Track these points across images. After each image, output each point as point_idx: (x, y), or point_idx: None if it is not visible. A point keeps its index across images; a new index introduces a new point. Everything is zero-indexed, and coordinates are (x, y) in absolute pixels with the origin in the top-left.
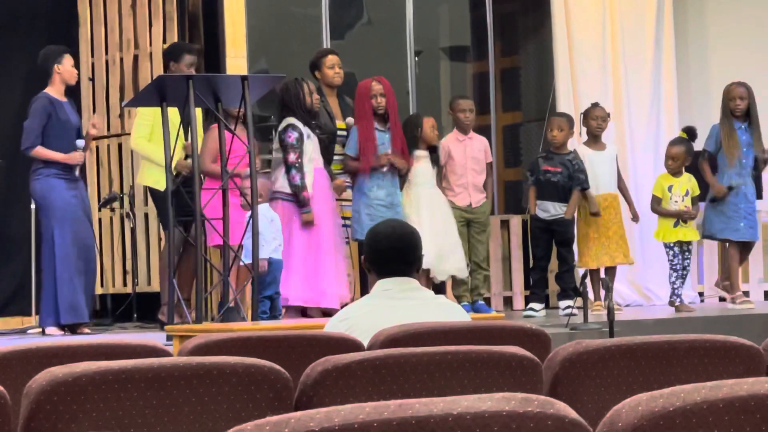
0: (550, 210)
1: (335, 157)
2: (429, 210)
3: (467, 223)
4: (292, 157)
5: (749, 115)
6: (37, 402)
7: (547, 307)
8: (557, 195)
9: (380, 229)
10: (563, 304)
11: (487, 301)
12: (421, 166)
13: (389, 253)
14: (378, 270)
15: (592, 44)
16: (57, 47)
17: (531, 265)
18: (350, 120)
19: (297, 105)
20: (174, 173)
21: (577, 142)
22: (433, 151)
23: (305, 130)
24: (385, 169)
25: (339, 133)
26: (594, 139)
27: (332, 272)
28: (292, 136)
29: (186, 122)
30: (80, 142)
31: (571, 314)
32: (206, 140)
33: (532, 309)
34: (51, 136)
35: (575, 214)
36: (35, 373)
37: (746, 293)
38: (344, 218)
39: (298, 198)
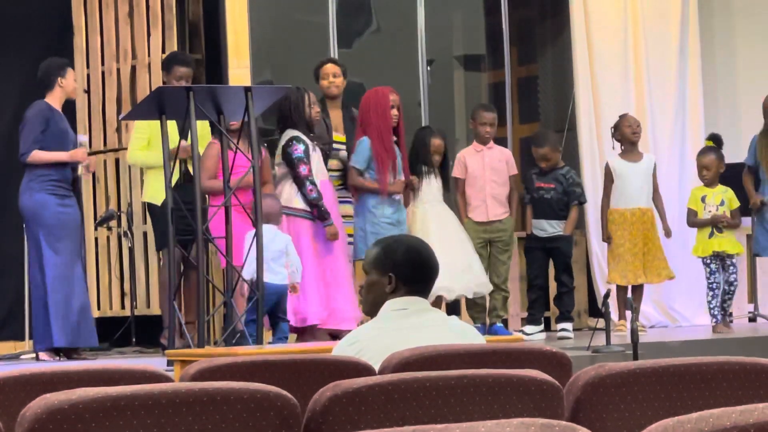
0: (547, 228)
1: (331, 173)
2: (437, 227)
3: (488, 243)
4: (304, 170)
5: None
6: (32, 430)
7: (547, 329)
8: (552, 212)
9: (411, 243)
10: (560, 326)
11: (505, 323)
12: (429, 182)
13: (422, 269)
14: (405, 283)
15: (614, 51)
16: (59, 60)
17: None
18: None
19: (297, 115)
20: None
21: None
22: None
23: (309, 142)
24: (398, 197)
25: (335, 146)
26: (630, 148)
27: (348, 292)
28: (299, 148)
29: (185, 136)
30: (82, 138)
31: (564, 337)
32: (203, 158)
33: (523, 332)
34: (49, 145)
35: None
36: (30, 400)
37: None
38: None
39: (319, 211)
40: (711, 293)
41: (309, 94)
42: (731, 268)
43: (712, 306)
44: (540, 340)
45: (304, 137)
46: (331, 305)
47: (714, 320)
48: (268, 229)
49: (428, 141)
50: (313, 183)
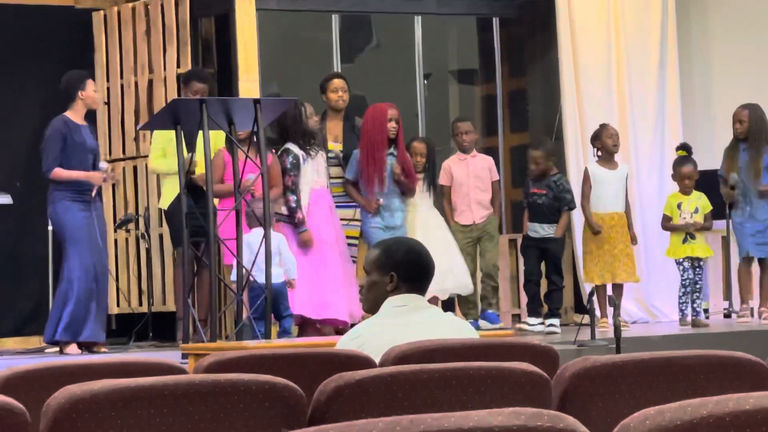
0: (539, 231)
1: (331, 180)
2: (424, 230)
3: (476, 240)
4: (287, 180)
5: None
6: (56, 419)
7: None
8: (544, 216)
9: (411, 244)
10: (549, 322)
11: None
12: (417, 188)
13: (422, 269)
14: (405, 281)
15: (598, 66)
16: (79, 72)
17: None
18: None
19: (295, 127)
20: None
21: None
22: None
23: (300, 153)
24: (396, 204)
25: (329, 155)
26: (608, 158)
27: (339, 287)
28: (287, 160)
29: (192, 148)
30: (103, 165)
31: (552, 332)
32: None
33: (526, 323)
34: (67, 158)
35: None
36: (54, 391)
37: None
38: (349, 237)
39: (296, 219)
40: (683, 290)
41: (306, 107)
42: (697, 269)
43: (681, 301)
44: (541, 331)
45: (294, 149)
46: (325, 299)
47: (680, 314)
48: (259, 231)
49: (409, 146)
50: (294, 192)
